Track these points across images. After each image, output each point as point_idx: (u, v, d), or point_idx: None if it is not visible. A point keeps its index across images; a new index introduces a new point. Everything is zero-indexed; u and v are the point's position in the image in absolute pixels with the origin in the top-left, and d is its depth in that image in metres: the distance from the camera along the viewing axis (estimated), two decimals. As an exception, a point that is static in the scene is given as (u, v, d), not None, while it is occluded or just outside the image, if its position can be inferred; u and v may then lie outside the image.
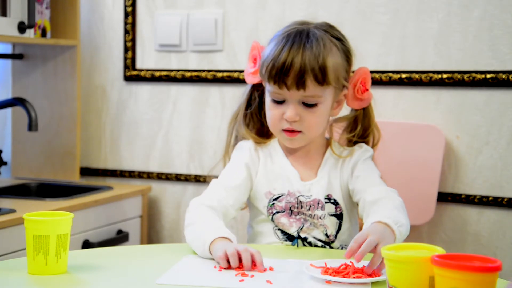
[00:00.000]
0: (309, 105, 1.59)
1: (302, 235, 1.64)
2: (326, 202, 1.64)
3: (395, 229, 1.43)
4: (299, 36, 1.59)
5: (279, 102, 1.61)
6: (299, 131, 1.62)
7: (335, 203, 1.65)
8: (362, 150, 1.70)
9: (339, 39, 1.64)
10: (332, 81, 1.59)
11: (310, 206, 1.64)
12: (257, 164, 1.69)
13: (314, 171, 1.68)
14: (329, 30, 1.64)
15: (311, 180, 1.66)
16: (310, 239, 1.64)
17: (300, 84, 1.56)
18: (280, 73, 1.56)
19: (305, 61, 1.55)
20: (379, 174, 1.67)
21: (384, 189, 1.60)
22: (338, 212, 1.65)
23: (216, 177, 1.72)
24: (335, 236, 1.65)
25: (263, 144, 1.71)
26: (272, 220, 1.65)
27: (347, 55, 1.65)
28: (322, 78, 1.57)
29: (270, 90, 1.61)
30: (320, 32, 1.61)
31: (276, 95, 1.60)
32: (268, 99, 1.64)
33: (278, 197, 1.65)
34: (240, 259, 1.38)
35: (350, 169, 1.67)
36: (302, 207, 1.64)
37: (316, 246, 1.64)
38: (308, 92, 1.57)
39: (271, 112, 1.63)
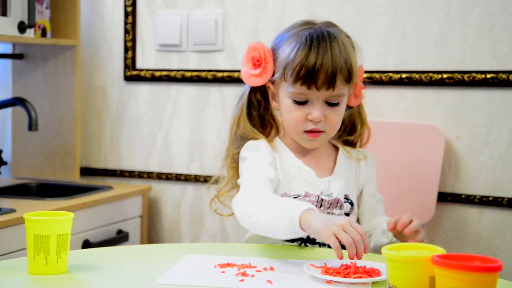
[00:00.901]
0: (332, 104, 1.61)
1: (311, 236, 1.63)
2: (344, 202, 1.65)
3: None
4: (322, 36, 1.59)
5: (301, 103, 1.61)
6: (322, 131, 1.62)
7: (351, 204, 1.66)
8: (373, 158, 1.74)
9: (348, 37, 1.67)
10: (355, 79, 1.63)
11: (330, 205, 1.64)
12: (275, 163, 1.66)
13: (328, 170, 1.68)
14: (339, 28, 1.66)
15: (327, 177, 1.66)
16: (318, 240, 1.63)
17: (331, 83, 1.57)
18: (311, 73, 1.57)
19: (336, 60, 1.57)
20: None
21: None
22: (349, 213, 1.66)
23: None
24: None
25: (271, 143, 1.70)
26: None
27: (357, 53, 1.67)
28: (349, 77, 1.60)
29: (292, 91, 1.60)
30: (337, 30, 1.63)
31: (300, 95, 1.60)
32: (287, 101, 1.62)
33: (294, 198, 1.64)
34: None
35: (368, 177, 1.71)
36: (321, 206, 1.63)
37: (323, 245, 1.64)
38: (336, 91, 1.59)
39: (293, 114, 1.62)
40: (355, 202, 1.67)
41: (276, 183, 1.62)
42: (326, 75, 1.57)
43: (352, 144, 1.75)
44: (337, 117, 1.63)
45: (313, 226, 1.38)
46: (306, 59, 1.57)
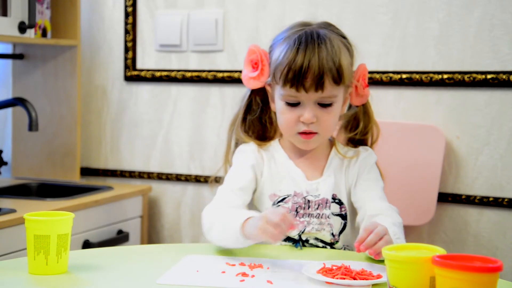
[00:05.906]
0: (325, 106, 1.60)
1: (304, 237, 1.63)
2: (331, 202, 1.65)
3: (394, 240, 1.43)
4: (311, 37, 1.59)
5: (294, 105, 1.61)
6: (315, 133, 1.62)
7: (340, 203, 1.65)
8: (368, 153, 1.70)
9: (344, 37, 1.66)
10: (346, 79, 1.61)
11: (318, 205, 1.64)
12: (262, 165, 1.68)
13: (319, 171, 1.68)
14: (333, 29, 1.65)
15: (317, 179, 1.66)
16: (311, 241, 1.63)
17: (319, 85, 1.56)
18: (298, 76, 1.56)
19: (322, 62, 1.56)
20: (382, 187, 1.69)
21: (386, 205, 1.62)
22: (343, 212, 1.65)
23: (219, 180, 1.72)
24: (339, 236, 1.65)
25: (264, 146, 1.71)
26: None
27: (352, 53, 1.66)
28: (339, 78, 1.58)
29: (283, 93, 1.61)
30: (328, 32, 1.62)
31: (291, 98, 1.60)
32: (280, 103, 1.63)
33: (283, 199, 1.65)
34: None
35: (356, 172, 1.68)
36: (309, 207, 1.64)
37: (317, 246, 1.64)
38: (325, 92, 1.58)
39: (285, 116, 1.62)
40: (344, 201, 1.66)
41: (251, 185, 1.65)
42: (314, 77, 1.56)
43: (362, 143, 1.74)
44: (330, 118, 1.61)
45: (251, 232, 1.43)
46: (293, 62, 1.57)
